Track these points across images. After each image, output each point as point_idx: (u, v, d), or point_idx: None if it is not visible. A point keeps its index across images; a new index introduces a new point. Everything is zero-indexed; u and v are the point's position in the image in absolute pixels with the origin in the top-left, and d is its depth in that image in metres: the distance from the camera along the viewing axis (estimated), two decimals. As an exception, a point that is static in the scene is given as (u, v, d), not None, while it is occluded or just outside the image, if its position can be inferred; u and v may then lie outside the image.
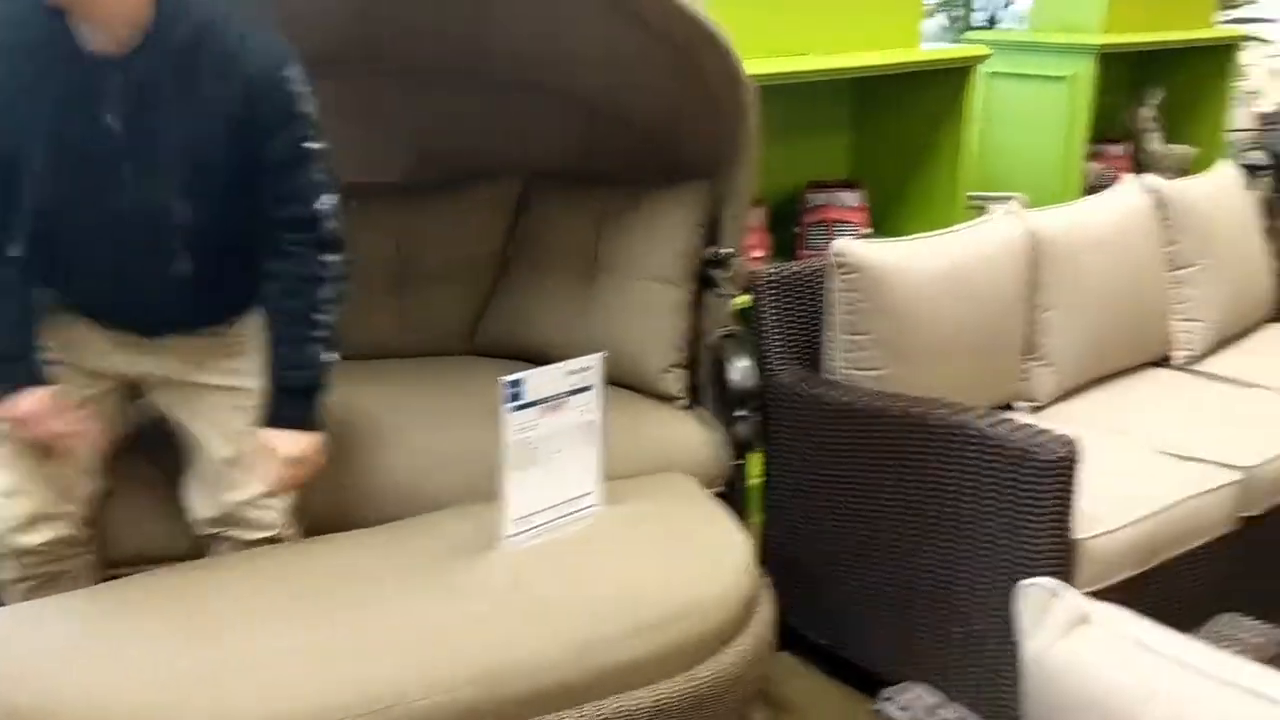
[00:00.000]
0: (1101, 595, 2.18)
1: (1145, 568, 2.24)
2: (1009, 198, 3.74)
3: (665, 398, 2.55)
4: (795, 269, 2.56)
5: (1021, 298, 2.71)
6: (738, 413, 2.46)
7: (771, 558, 2.61)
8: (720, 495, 2.46)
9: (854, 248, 2.43)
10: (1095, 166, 4.28)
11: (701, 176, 2.57)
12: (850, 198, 3.40)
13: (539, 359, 2.17)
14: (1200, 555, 2.36)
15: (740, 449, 2.48)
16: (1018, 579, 2.13)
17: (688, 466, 2.40)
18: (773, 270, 2.52)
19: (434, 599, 1.85)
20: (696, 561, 2.03)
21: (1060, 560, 2.10)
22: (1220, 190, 3.25)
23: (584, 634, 1.82)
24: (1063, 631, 0.98)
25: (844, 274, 2.43)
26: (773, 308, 2.52)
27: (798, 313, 2.54)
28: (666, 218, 2.56)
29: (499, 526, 1.96)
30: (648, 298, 2.54)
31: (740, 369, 2.45)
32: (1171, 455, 2.52)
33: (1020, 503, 2.10)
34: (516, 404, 1.92)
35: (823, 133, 3.61)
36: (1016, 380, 2.77)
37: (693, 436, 2.46)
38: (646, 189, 2.61)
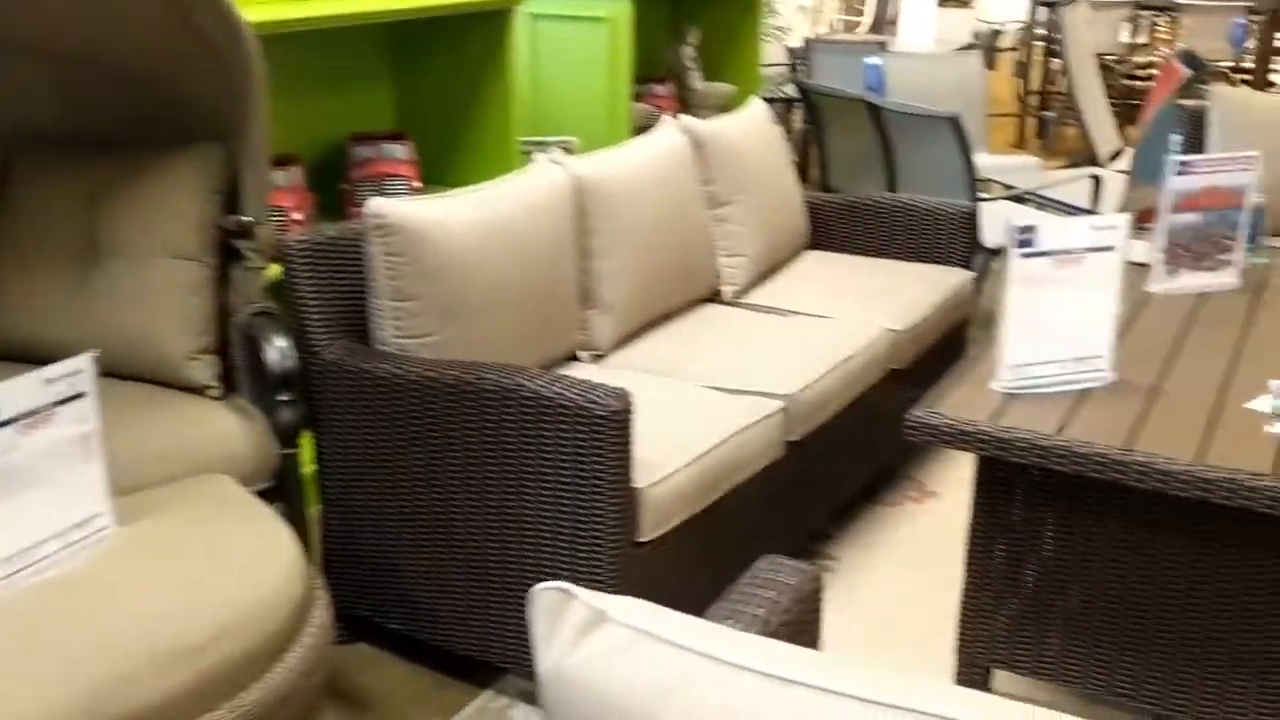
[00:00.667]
0: (663, 540, 2.21)
1: (701, 506, 2.28)
2: (563, 142, 3.73)
3: (194, 388, 2.28)
4: (331, 234, 2.36)
5: (572, 246, 2.66)
6: (280, 397, 2.25)
7: (335, 548, 2.43)
8: (268, 491, 2.24)
9: (389, 207, 2.26)
10: (643, 107, 4.36)
11: (213, 138, 2.30)
12: (399, 150, 3.22)
13: (27, 359, 1.85)
14: (752, 485, 2.44)
15: (287, 437, 2.27)
16: (586, 537, 2.13)
17: (227, 463, 2.16)
18: (304, 237, 2.31)
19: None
20: (234, 572, 1.81)
21: (623, 513, 2.08)
22: (752, 126, 3.38)
23: (95, 677, 1.56)
24: (578, 635, 0.89)
25: (381, 236, 2.26)
26: (309, 278, 2.31)
27: (338, 281, 2.35)
28: (176, 186, 2.27)
29: (-18, 569, 1.65)
30: (162, 277, 2.25)
31: (277, 349, 2.23)
32: (722, 390, 2.59)
33: (581, 459, 2.06)
34: (-14, 424, 1.60)
35: (365, 83, 3.40)
36: (577, 331, 2.74)
37: (229, 429, 2.21)
38: (150, 155, 2.31)
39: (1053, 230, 1.99)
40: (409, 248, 2.27)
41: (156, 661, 1.61)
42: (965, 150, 4.05)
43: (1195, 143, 3.93)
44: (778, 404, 2.54)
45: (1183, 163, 2.47)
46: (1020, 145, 7.72)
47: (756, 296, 3.19)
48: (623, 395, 2.05)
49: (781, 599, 1.39)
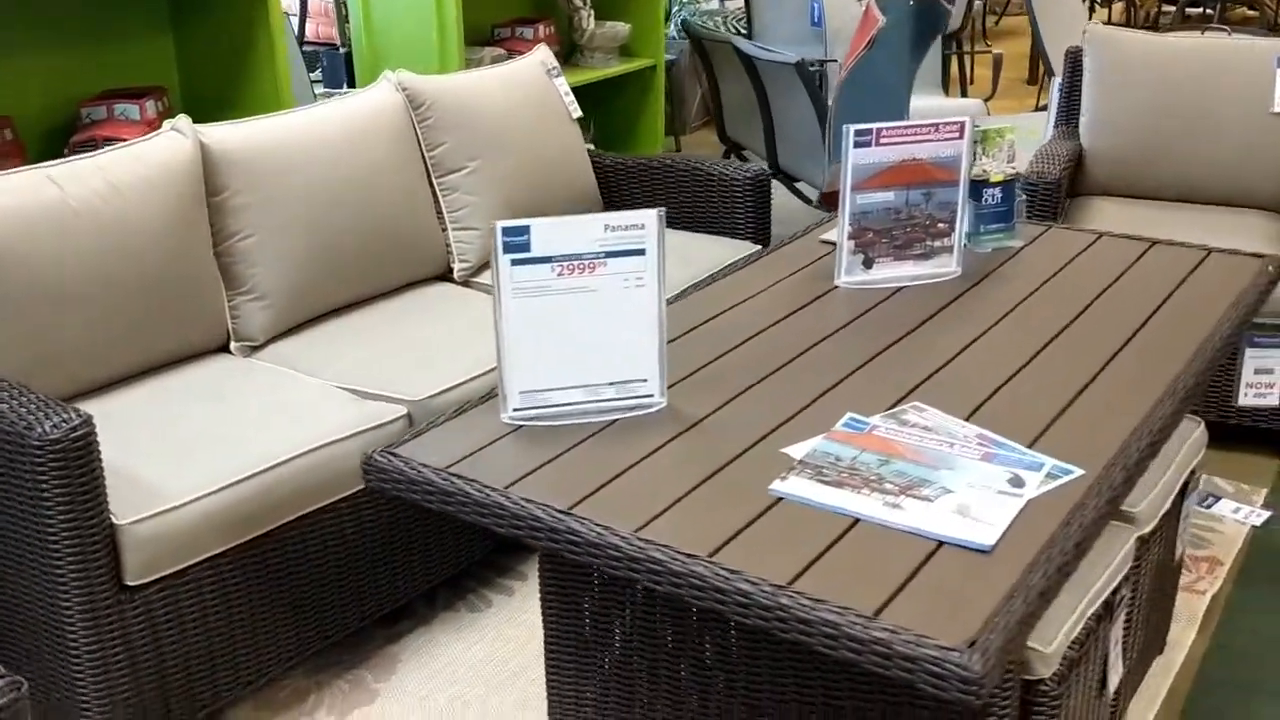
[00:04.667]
0: (168, 583, 1.83)
1: (239, 541, 1.96)
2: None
3: None
4: None
5: (197, 226, 2.34)
6: None
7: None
8: None
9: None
10: (497, 51, 3.98)
11: None
12: (135, 110, 2.94)
13: None
14: (334, 519, 2.11)
15: None
16: (56, 572, 1.81)
17: None
18: None
19: None
20: None
21: (84, 554, 1.77)
22: (513, 78, 2.99)
23: None
24: None
25: (-118, 223, 1.99)
26: None
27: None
28: None
29: None
30: None
31: None
32: (354, 392, 2.26)
33: (33, 488, 1.76)
34: None
35: (123, 37, 3.11)
36: (226, 320, 2.43)
37: None
38: None
39: (552, 231, 1.59)
40: (-82, 235, 1.99)
41: None
42: (817, 100, 3.58)
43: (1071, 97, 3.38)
44: (398, 412, 2.20)
45: (861, 131, 2.02)
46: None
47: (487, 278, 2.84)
48: (70, 420, 1.73)
49: None
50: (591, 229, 1.60)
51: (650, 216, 1.61)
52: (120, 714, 1.87)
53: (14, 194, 2.09)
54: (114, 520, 1.81)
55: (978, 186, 2.24)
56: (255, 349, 2.47)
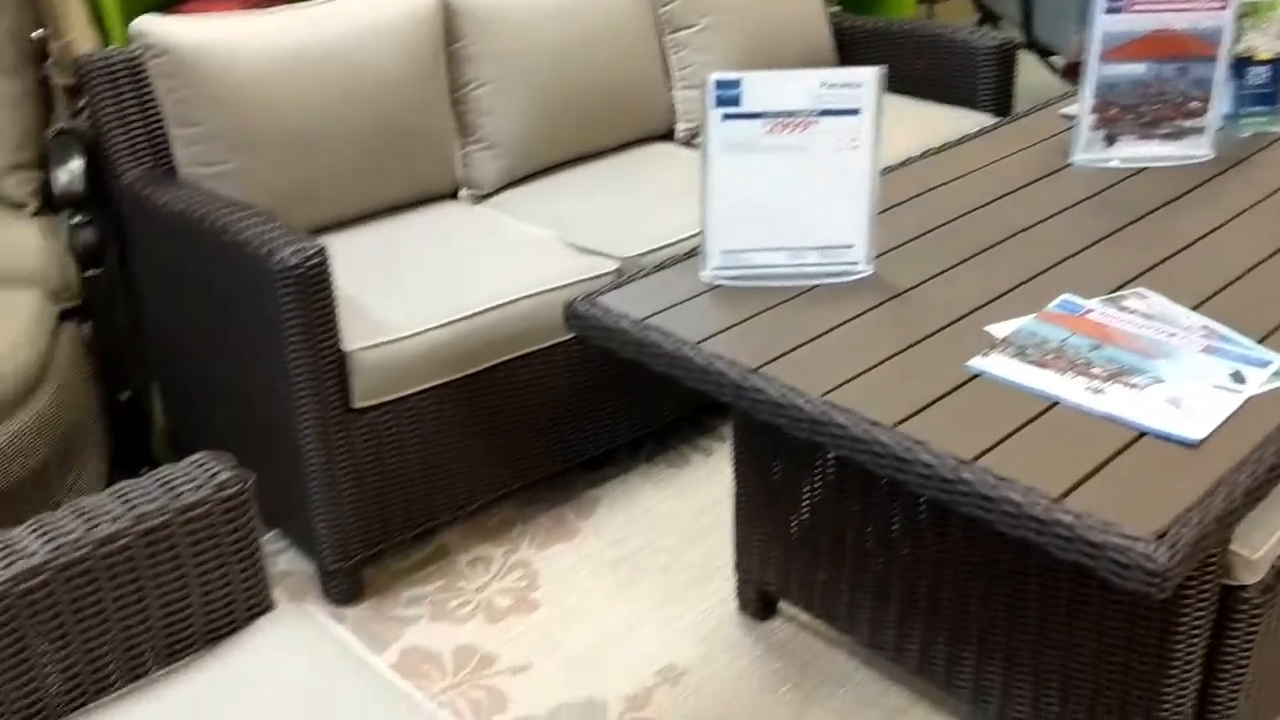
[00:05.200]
0: (390, 408, 2.01)
1: (455, 376, 2.07)
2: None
3: (12, 204, 2.31)
4: (131, 51, 2.25)
5: (438, 74, 2.42)
6: (73, 220, 2.23)
7: (161, 375, 2.44)
8: (76, 310, 2.26)
9: (157, 26, 2.13)
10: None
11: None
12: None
13: None
14: (542, 364, 2.19)
15: (88, 258, 2.27)
16: (293, 390, 1.97)
17: (29, 278, 2.18)
18: (100, 55, 2.23)
19: None
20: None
21: (318, 377, 1.91)
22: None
23: None
24: None
25: (154, 57, 2.14)
26: (109, 98, 2.24)
27: (144, 102, 2.27)
28: (-14, -2, 2.25)
29: None
30: (-29, 92, 2.26)
31: (67, 171, 2.21)
32: (574, 246, 2.32)
33: (269, 315, 1.91)
34: None
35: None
36: (456, 168, 2.53)
37: (35, 245, 2.23)
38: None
39: (765, 86, 1.57)
40: (182, 70, 2.14)
41: None
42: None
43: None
44: (609, 266, 2.24)
45: (1114, -4, 1.87)
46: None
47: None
48: (307, 250, 1.85)
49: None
50: (806, 85, 1.57)
51: (869, 75, 1.56)
52: (344, 523, 2.03)
53: (280, 34, 2.22)
54: (344, 347, 1.95)
55: (1241, 64, 2.04)
56: (482, 197, 2.56)
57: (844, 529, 1.76)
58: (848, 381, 1.42)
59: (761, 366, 1.46)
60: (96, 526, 1.22)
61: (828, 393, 1.40)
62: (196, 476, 1.30)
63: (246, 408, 2.11)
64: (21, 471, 1.93)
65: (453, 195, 2.56)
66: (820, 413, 1.37)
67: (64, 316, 2.22)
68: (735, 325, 1.56)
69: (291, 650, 1.29)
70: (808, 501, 1.80)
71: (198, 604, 1.30)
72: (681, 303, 1.62)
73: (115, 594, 1.24)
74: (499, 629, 2.02)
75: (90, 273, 2.27)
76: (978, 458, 1.28)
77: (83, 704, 1.24)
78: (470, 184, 2.55)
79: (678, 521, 2.29)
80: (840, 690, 1.86)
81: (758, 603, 2.00)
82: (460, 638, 2.00)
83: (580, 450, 2.32)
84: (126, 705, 1.23)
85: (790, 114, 1.58)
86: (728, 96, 1.57)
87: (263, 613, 1.36)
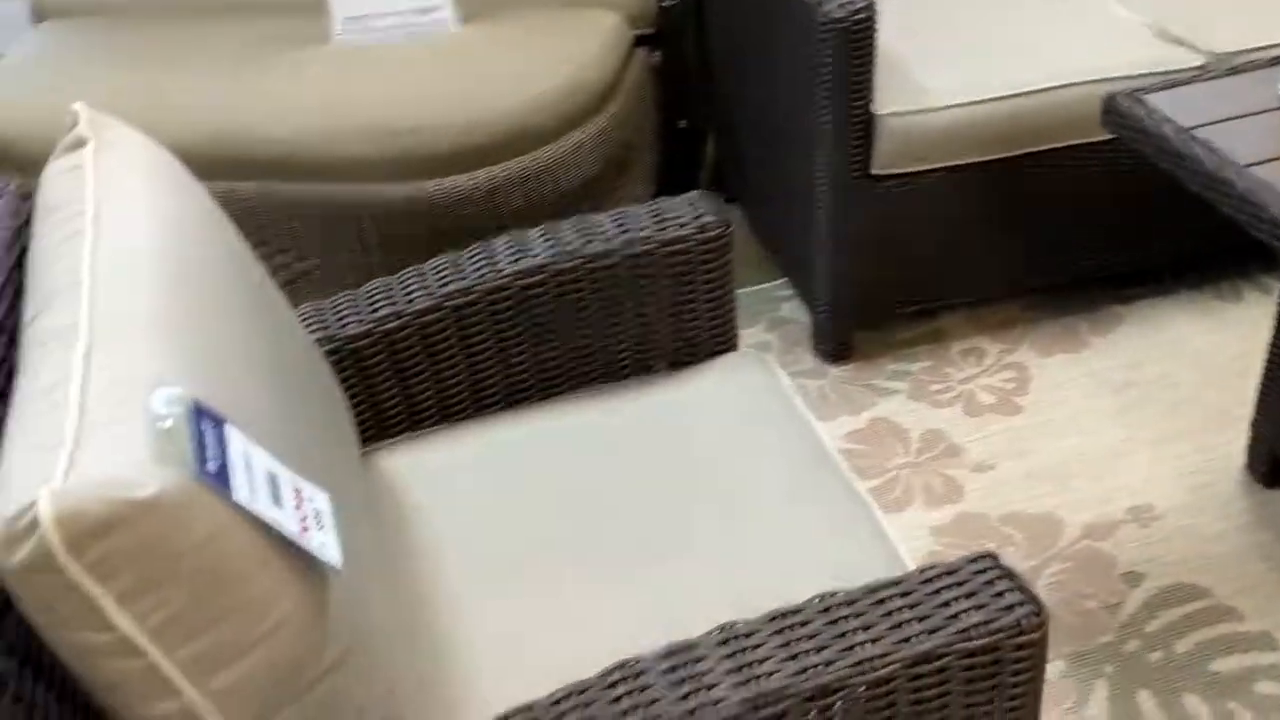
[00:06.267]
0: (909, 180, 1.96)
1: (978, 159, 1.96)
2: None
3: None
4: None
5: None
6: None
7: (716, 112, 2.55)
8: (649, 38, 2.42)
9: None
10: None
11: None
12: None
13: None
14: (1073, 160, 1.99)
15: (666, -9, 2.39)
16: (817, 146, 1.97)
17: (615, 2, 2.36)
18: None
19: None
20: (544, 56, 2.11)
21: (841, 137, 1.90)
22: None
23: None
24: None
25: None
26: None
27: None
28: None
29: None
30: None
31: (659, -100, 2.30)
32: (1154, 30, 2.06)
33: (804, 69, 1.91)
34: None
35: None
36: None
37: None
38: None
39: None
40: None
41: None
42: None
43: None
44: (1194, 61, 1.97)
45: None
46: None
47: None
48: (855, 4, 1.80)
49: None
50: None
51: None
52: (845, 285, 2.06)
53: None
54: (874, 110, 1.91)
55: None
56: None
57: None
58: None
59: (1313, 206, 1.24)
60: (590, 243, 1.35)
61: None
62: (684, 214, 1.37)
63: (776, 157, 2.17)
64: (575, 180, 2.15)
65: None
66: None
67: (638, 42, 2.37)
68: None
69: (737, 391, 1.37)
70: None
71: (666, 331, 1.41)
72: (1245, 115, 1.40)
73: (599, 304, 1.37)
74: (974, 423, 1.98)
75: (667, 2, 2.40)
76: None
77: (545, 397, 1.42)
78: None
79: (1209, 358, 2.06)
80: (1339, 587, 1.64)
81: (1267, 467, 1.78)
82: (932, 422, 2.00)
83: (1107, 264, 2.13)
84: (570, 404, 1.39)
85: None
86: None
87: (724, 352, 1.44)
